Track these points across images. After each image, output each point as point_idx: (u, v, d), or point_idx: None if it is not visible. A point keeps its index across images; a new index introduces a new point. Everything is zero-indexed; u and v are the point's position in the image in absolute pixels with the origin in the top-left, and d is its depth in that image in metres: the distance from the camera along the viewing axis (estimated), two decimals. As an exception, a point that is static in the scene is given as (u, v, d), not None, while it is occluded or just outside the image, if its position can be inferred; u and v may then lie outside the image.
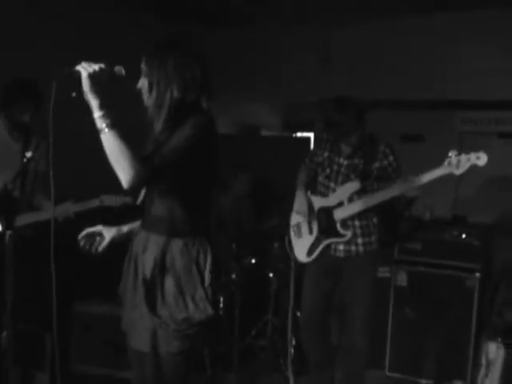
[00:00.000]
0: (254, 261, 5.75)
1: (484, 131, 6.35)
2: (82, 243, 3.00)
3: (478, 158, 4.05)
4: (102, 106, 2.43)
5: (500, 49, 6.09)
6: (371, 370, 5.27)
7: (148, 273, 2.67)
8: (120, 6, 6.43)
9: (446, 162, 4.11)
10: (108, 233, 2.99)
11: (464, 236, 5.40)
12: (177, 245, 2.64)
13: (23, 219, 4.23)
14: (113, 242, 2.98)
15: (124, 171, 2.41)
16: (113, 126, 2.43)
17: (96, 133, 2.44)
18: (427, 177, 4.18)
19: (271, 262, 5.73)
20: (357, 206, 4.48)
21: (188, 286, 2.64)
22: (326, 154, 4.66)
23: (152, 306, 2.63)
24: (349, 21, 6.73)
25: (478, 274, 5.26)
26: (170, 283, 2.63)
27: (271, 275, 5.66)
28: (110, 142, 2.43)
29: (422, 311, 5.43)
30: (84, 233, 3.00)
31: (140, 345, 2.70)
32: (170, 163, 2.50)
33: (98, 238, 2.99)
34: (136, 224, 2.98)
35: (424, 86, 6.40)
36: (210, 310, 2.66)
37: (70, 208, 4.42)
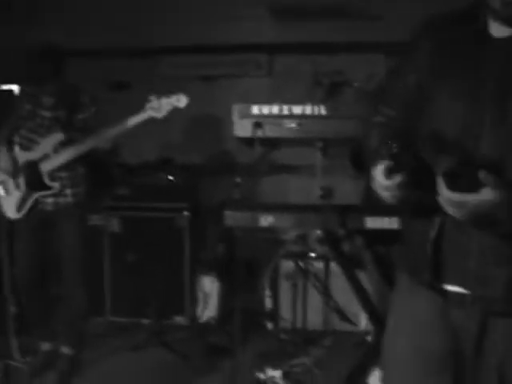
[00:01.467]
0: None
1: (187, 75, 6.52)
2: None
3: (178, 100, 4.22)
4: None
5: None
6: (93, 318, 5.32)
7: None
8: None
9: (147, 107, 4.22)
10: None
11: (171, 177, 5.57)
12: None
13: None
14: None
15: None
16: None
17: None
18: (130, 122, 4.26)
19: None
20: (62, 157, 4.43)
21: None
22: (27, 107, 4.54)
23: None
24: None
25: (186, 213, 5.47)
26: None
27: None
28: None
29: (137, 254, 5.54)
30: None
31: None
32: None
33: None
34: None
35: (128, 32, 6.40)
36: None
37: None
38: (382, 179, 2.01)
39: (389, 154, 1.93)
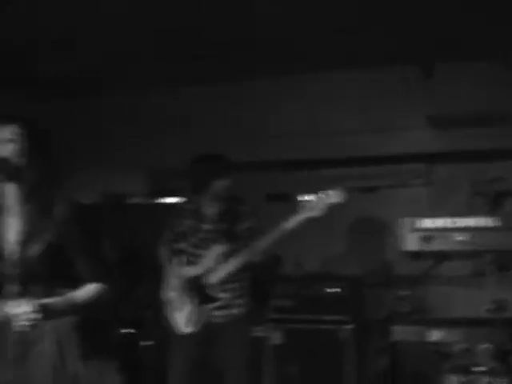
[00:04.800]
0: (130, 330, 5.65)
1: (350, 186, 6.51)
2: None
3: (333, 196, 4.16)
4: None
5: (360, 107, 6.34)
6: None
7: (58, 361, 2.57)
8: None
9: (301, 207, 4.20)
10: None
11: (335, 289, 5.52)
12: (68, 323, 2.61)
13: None
14: None
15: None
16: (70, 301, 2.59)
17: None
18: (287, 226, 4.25)
19: (147, 331, 5.63)
20: (226, 269, 4.47)
21: (92, 363, 2.62)
22: (188, 222, 4.63)
23: None
24: (205, 84, 6.79)
25: (350, 326, 5.40)
26: (76, 366, 2.59)
27: (147, 344, 5.54)
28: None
29: (299, 367, 5.48)
30: None
31: None
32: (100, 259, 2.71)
33: None
34: None
35: (288, 145, 6.52)
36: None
37: None
38: None
39: None
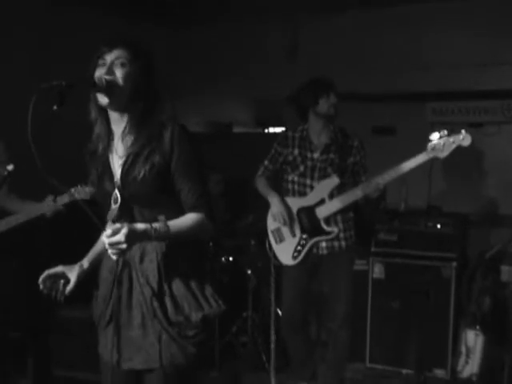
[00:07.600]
0: (231, 259, 5.75)
1: (455, 121, 6.39)
2: (42, 287, 2.70)
3: (462, 138, 4.02)
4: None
5: (468, 40, 6.13)
6: (352, 363, 5.31)
7: (155, 283, 2.56)
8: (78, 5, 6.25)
9: (429, 147, 4.08)
10: (72, 274, 2.74)
11: (439, 226, 5.45)
12: (175, 247, 2.58)
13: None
14: (78, 281, 2.73)
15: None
16: (168, 229, 2.48)
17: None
18: (411, 164, 4.15)
19: (248, 260, 5.72)
20: (339, 203, 4.45)
21: (195, 285, 2.60)
22: (296, 152, 4.61)
23: (167, 317, 2.54)
24: (315, 14, 6.71)
25: (454, 263, 5.34)
26: (178, 287, 2.57)
27: (249, 272, 5.64)
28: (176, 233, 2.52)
29: (400, 302, 5.48)
30: (44, 275, 2.71)
31: (146, 363, 2.57)
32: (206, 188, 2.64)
33: (61, 281, 2.71)
34: (94, 253, 2.86)
35: (394, 77, 6.41)
36: (222, 304, 2.64)
37: (51, 205, 4.06)
38: None
39: None
